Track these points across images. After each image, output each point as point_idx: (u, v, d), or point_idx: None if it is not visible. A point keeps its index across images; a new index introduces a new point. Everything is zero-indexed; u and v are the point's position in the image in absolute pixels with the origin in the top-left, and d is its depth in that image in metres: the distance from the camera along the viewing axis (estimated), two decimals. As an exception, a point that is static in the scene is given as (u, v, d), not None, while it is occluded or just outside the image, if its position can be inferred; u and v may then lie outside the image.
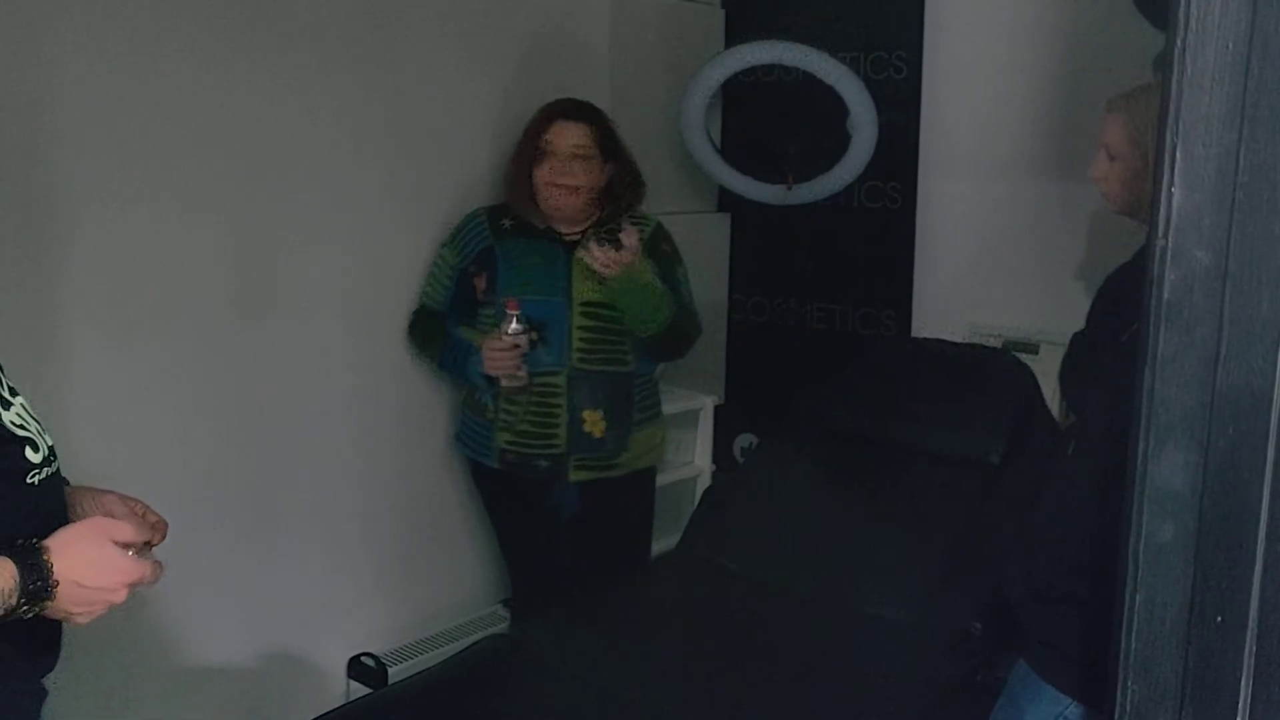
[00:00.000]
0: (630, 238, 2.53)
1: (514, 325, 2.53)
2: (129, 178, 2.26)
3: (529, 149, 2.67)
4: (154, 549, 1.44)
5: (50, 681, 1.34)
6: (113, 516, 1.43)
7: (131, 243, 2.28)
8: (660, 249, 2.74)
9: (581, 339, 2.64)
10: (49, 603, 1.16)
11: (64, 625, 1.32)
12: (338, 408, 2.72)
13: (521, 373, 2.58)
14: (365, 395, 2.78)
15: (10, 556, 1.13)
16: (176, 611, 2.43)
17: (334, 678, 2.81)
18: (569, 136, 2.63)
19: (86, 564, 1.18)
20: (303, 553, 2.69)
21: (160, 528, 1.45)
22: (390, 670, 2.77)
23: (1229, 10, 0.70)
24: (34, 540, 1.17)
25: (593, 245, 2.51)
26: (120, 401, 2.27)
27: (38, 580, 1.14)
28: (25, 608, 1.14)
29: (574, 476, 2.70)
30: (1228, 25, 0.71)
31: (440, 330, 2.76)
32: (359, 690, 2.76)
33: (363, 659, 2.81)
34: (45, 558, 1.15)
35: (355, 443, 2.78)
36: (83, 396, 2.21)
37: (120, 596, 1.21)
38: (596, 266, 2.52)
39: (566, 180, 2.61)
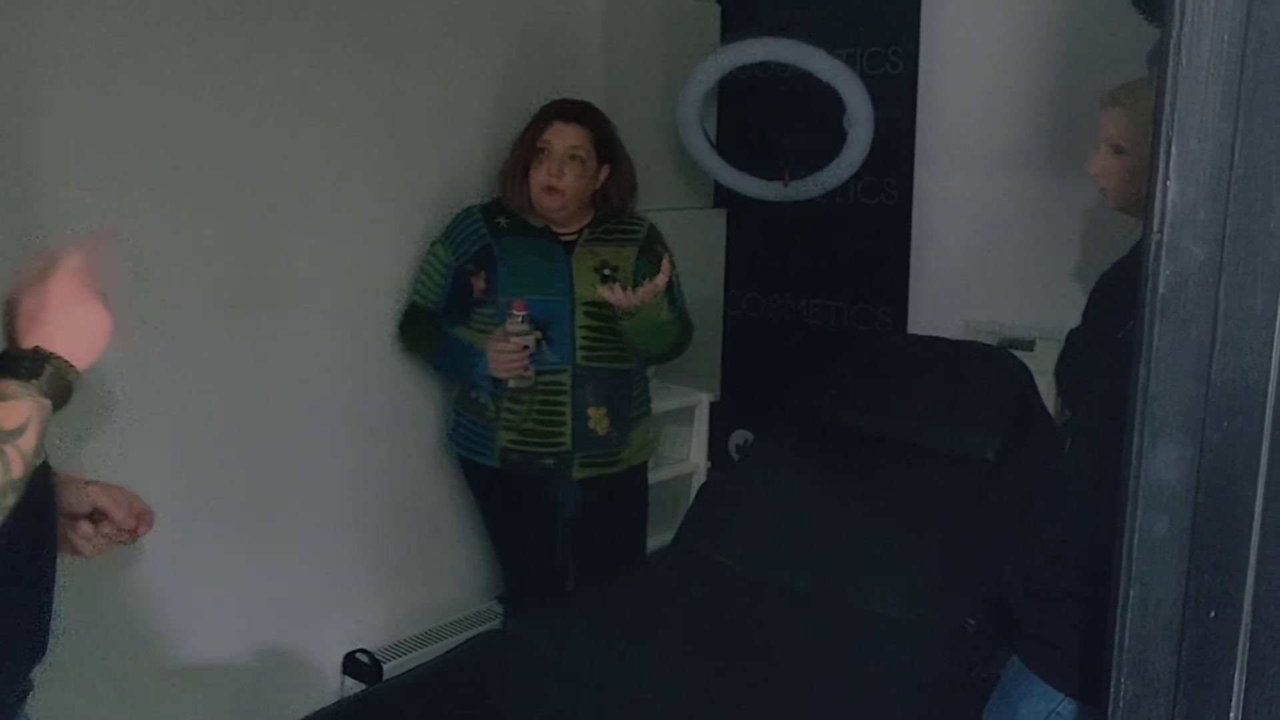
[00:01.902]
0: (660, 279, 2.53)
1: (521, 326, 2.52)
2: (123, 174, 2.25)
3: (527, 149, 2.67)
4: (140, 539, 1.43)
5: (38, 676, 1.34)
6: (97, 507, 1.42)
7: (126, 238, 2.27)
8: (654, 250, 2.74)
9: (585, 337, 2.64)
10: (57, 367, 1.13)
11: (52, 618, 1.31)
12: (332, 405, 2.72)
13: (529, 373, 2.58)
14: (359, 392, 2.78)
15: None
16: (170, 607, 2.43)
17: (328, 674, 2.81)
18: (566, 138, 2.63)
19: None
20: (297, 549, 2.68)
21: (146, 517, 1.45)
22: (385, 666, 2.77)
23: (1224, 3, 0.70)
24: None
25: (610, 289, 2.52)
26: (115, 397, 2.27)
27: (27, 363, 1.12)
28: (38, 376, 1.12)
29: (578, 474, 2.70)
30: (1223, 18, 0.70)
31: (434, 330, 2.74)
32: (354, 686, 2.76)
33: (357, 655, 2.80)
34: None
35: (349, 440, 2.77)
36: (77, 390, 2.20)
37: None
38: (620, 305, 2.52)
39: (557, 182, 2.62)
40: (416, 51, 2.79)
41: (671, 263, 2.69)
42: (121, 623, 2.35)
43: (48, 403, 1.12)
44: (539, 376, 2.61)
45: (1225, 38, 0.71)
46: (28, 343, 1.13)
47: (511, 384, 2.60)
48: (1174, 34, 0.73)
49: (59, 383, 1.13)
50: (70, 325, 1.16)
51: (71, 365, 1.15)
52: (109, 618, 2.31)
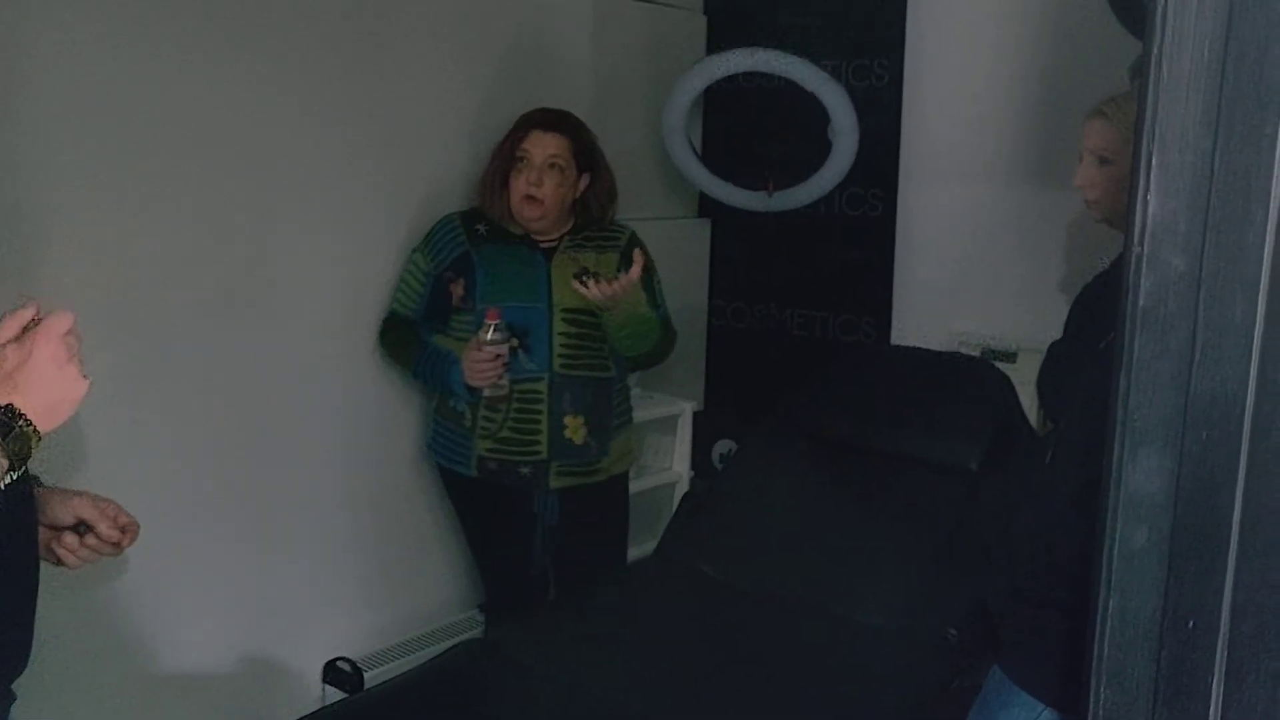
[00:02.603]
0: (634, 270, 2.53)
1: (494, 335, 2.51)
2: (111, 176, 2.24)
3: (506, 158, 2.67)
4: (125, 550, 1.43)
5: (19, 686, 1.33)
6: (83, 518, 1.42)
7: (114, 241, 2.26)
8: (635, 258, 2.74)
9: (563, 345, 2.64)
10: (22, 428, 1.11)
11: (34, 628, 1.30)
12: (314, 412, 2.71)
13: (503, 382, 2.57)
14: (341, 400, 2.77)
15: None
16: (150, 615, 2.41)
17: (309, 682, 2.79)
18: (545, 146, 2.63)
19: (38, 379, 1.14)
20: (278, 557, 2.67)
21: (131, 530, 1.44)
22: (366, 675, 2.76)
23: (1205, 17, 0.71)
24: None
25: (588, 284, 2.52)
26: (97, 405, 2.25)
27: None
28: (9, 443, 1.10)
29: (555, 483, 2.69)
30: (1204, 32, 0.71)
31: (413, 338, 2.73)
32: (334, 695, 2.74)
33: (338, 663, 2.79)
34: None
35: (331, 448, 2.76)
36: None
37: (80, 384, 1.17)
38: (598, 301, 2.53)
39: (536, 191, 2.62)
40: (407, 58, 2.78)
41: (649, 261, 2.70)
42: (102, 630, 2.34)
43: (4, 462, 1.10)
44: (516, 385, 2.61)
45: (1206, 52, 0.71)
46: (1, 398, 1.12)
47: (486, 393, 2.59)
48: (1155, 47, 0.73)
49: (21, 445, 1.11)
50: (48, 389, 1.14)
51: (37, 429, 1.13)
52: (89, 625, 2.29)
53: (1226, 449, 0.73)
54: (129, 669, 2.42)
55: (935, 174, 3.39)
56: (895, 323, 3.53)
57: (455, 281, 2.67)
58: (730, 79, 3.39)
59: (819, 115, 3.22)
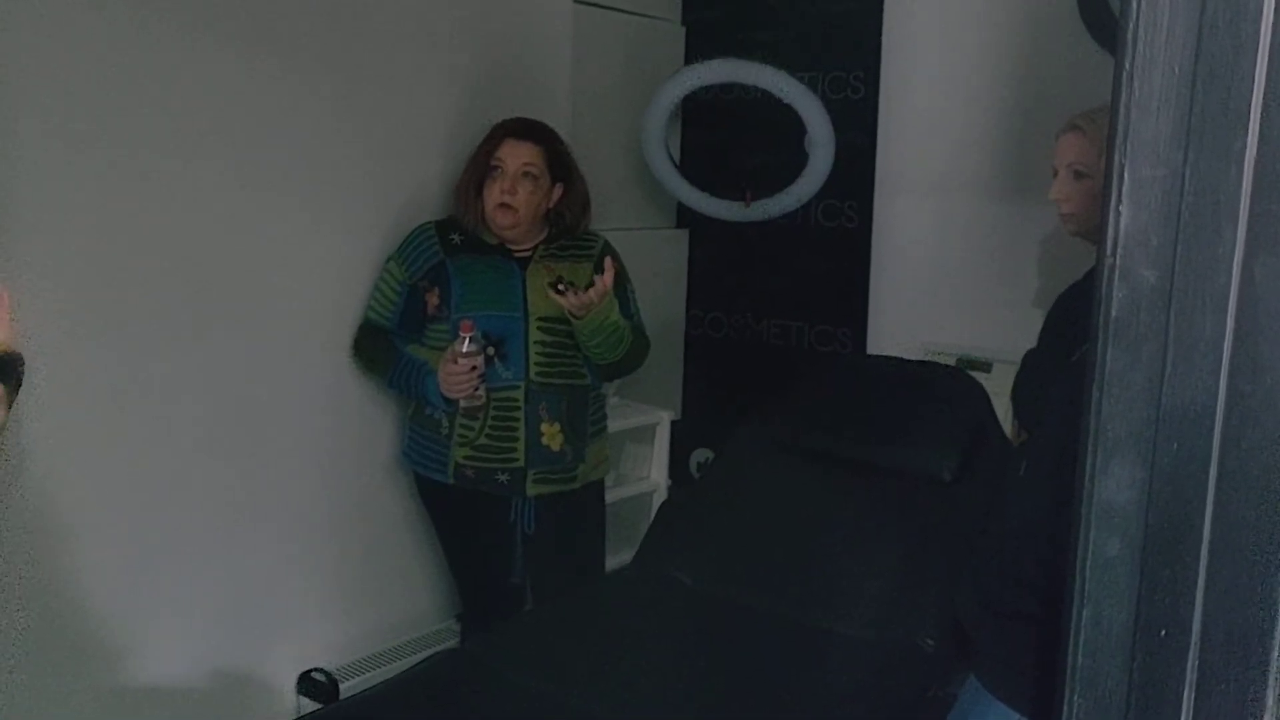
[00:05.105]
0: (607, 277, 2.54)
1: (469, 346, 2.51)
2: (86, 177, 2.23)
3: (480, 166, 2.68)
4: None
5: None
6: None
7: (81, 247, 2.25)
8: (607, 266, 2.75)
9: (539, 354, 2.65)
10: None
11: None
12: (288, 420, 2.70)
13: (479, 392, 2.57)
14: (315, 408, 2.76)
15: None
16: (121, 626, 2.39)
17: (284, 693, 2.78)
18: (519, 155, 2.65)
19: None
20: (252, 567, 2.65)
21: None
22: (341, 686, 2.75)
23: (1175, 35, 0.72)
24: None
25: (566, 294, 2.52)
26: (69, 412, 2.24)
27: None
28: None
29: (532, 490, 2.69)
30: (1174, 50, 0.72)
31: (389, 347, 2.73)
32: (309, 706, 2.72)
33: (313, 674, 2.77)
34: None
35: (304, 457, 2.75)
36: (31, 405, 2.17)
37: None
38: (572, 310, 2.54)
39: (510, 199, 2.62)
40: (386, 69, 2.78)
41: (622, 268, 2.71)
42: (71, 642, 2.31)
43: None
44: (493, 392, 2.61)
45: (1176, 69, 0.72)
46: None
47: (463, 404, 2.59)
48: (1127, 64, 0.74)
49: None
50: None
51: None
52: (58, 637, 2.27)
53: (1197, 460, 0.73)
54: (100, 681, 2.39)
55: (911, 186, 3.42)
56: (871, 333, 3.54)
57: (430, 291, 2.67)
58: (708, 90, 3.41)
59: (796, 127, 3.24)
